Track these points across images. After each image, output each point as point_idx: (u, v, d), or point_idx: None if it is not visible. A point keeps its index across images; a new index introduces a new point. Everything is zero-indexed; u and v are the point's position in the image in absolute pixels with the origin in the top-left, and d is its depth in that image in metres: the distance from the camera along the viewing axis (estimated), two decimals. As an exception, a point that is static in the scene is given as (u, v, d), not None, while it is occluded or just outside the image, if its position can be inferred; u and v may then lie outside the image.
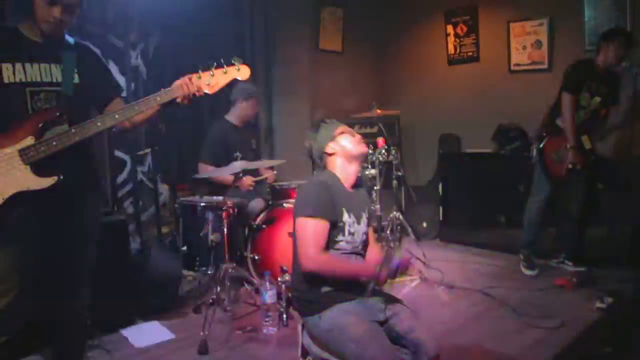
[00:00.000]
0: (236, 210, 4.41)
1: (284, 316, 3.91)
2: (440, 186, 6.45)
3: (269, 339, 3.78)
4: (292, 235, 2.74)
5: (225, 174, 4.60)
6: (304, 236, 2.57)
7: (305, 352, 2.71)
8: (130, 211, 5.33)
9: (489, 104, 6.56)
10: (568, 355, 3.46)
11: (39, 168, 2.40)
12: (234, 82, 2.73)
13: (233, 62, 2.65)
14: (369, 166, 5.36)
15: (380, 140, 5.37)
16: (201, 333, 3.64)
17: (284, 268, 4.03)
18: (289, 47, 6.40)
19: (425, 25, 7.28)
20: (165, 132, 5.83)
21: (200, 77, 2.62)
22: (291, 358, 3.34)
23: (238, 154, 4.29)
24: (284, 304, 3.92)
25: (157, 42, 5.58)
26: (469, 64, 6.89)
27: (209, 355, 3.55)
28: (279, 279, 3.98)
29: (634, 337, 3.53)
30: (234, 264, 4.20)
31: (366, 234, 2.86)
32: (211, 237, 4.39)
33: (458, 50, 6.96)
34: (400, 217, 5.51)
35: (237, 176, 4.28)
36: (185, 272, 4.70)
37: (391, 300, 2.70)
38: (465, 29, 6.86)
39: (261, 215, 4.58)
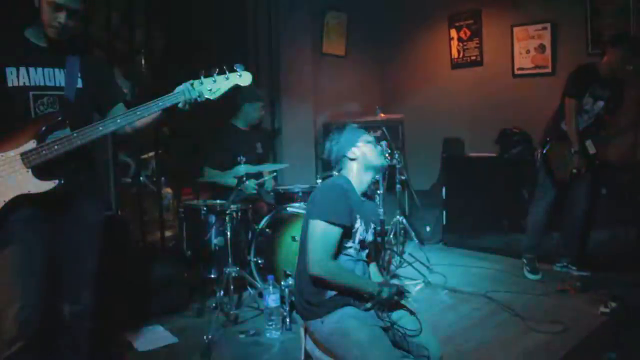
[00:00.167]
0: (240, 214, 4.43)
1: (287, 320, 3.91)
2: (443, 190, 6.45)
3: (272, 343, 3.78)
4: (301, 235, 2.74)
5: (228, 177, 4.61)
6: (317, 240, 2.56)
7: (308, 356, 2.71)
8: (133, 215, 5.33)
9: (493, 108, 6.55)
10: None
11: (40, 172, 2.41)
12: (239, 87, 2.73)
13: (235, 68, 2.65)
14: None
15: (384, 144, 5.38)
16: (204, 337, 3.65)
17: (288, 272, 4.03)
18: (292, 52, 6.40)
19: (429, 29, 7.29)
20: (169, 136, 5.85)
21: (202, 83, 2.62)
22: (294, 362, 3.34)
23: (242, 157, 4.29)
24: (287, 308, 3.92)
25: (161, 47, 5.60)
26: (472, 68, 6.89)
27: (212, 359, 3.55)
28: (282, 283, 3.99)
29: (638, 342, 3.52)
30: (238, 268, 4.20)
31: (373, 243, 2.86)
32: (215, 241, 4.39)
33: (461, 54, 6.96)
34: (404, 221, 5.50)
35: (240, 180, 4.28)
36: (188, 275, 4.71)
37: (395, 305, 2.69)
38: (468, 33, 6.86)
39: (265, 219, 4.58)
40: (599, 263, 4.94)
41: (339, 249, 2.63)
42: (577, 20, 5.83)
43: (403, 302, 2.63)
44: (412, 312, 2.64)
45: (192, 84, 2.61)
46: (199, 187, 5.62)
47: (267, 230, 4.47)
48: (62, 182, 2.45)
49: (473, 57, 6.85)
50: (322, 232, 2.55)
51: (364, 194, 2.88)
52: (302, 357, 2.76)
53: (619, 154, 5.18)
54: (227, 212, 4.21)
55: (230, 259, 4.14)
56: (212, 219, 4.45)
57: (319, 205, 2.64)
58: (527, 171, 5.36)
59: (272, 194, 5.14)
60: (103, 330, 3.59)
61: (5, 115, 2.48)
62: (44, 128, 2.43)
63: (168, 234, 5.61)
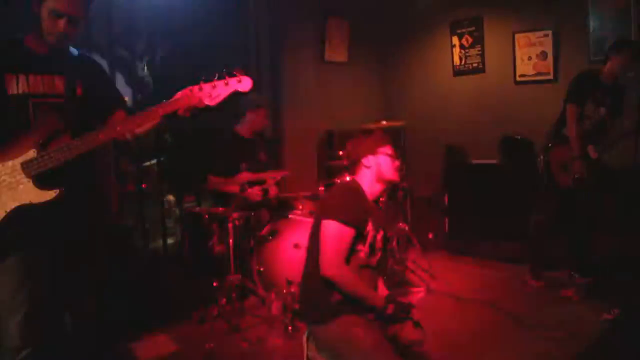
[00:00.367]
0: (242, 221, 4.43)
1: (290, 328, 3.90)
2: (446, 197, 6.44)
3: (275, 351, 3.77)
4: (311, 235, 2.74)
5: (230, 185, 4.61)
6: (331, 241, 2.56)
7: (310, 364, 2.71)
8: (135, 222, 5.34)
9: (495, 115, 6.55)
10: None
11: (41, 181, 2.41)
12: (243, 94, 2.72)
13: (235, 73, 2.63)
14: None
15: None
16: (207, 345, 3.64)
17: (290, 280, 4.03)
18: (294, 58, 6.41)
19: (431, 37, 7.29)
20: (171, 143, 5.86)
21: (201, 89, 2.59)
22: (297, 370, 3.33)
23: (244, 165, 4.30)
24: (289, 316, 3.91)
25: (163, 53, 5.61)
26: (474, 75, 6.89)
27: (214, 367, 3.55)
28: (284, 290, 3.98)
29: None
30: (240, 276, 4.20)
31: (382, 250, 2.86)
32: (217, 248, 4.39)
33: (463, 61, 6.96)
34: (406, 228, 5.50)
35: (242, 187, 4.28)
36: (190, 283, 4.71)
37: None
38: (470, 40, 6.87)
39: (267, 227, 4.58)
40: (602, 269, 4.93)
41: (350, 251, 2.63)
42: (579, 27, 5.84)
43: (408, 317, 2.63)
44: (415, 324, 2.63)
45: (191, 91, 2.59)
46: (200, 195, 5.63)
47: (270, 237, 4.47)
48: (64, 190, 2.44)
49: (475, 64, 6.86)
50: (335, 232, 2.55)
51: (375, 202, 2.90)
52: (305, 365, 2.75)
53: (621, 160, 5.17)
54: (229, 219, 4.21)
55: (232, 267, 4.14)
56: (215, 226, 4.44)
57: (333, 206, 2.65)
58: (530, 178, 5.35)
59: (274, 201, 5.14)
60: (105, 338, 3.59)
61: (5, 123, 2.48)
62: (43, 136, 2.42)
63: (170, 241, 5.61)
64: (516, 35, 6.38)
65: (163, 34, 5.55)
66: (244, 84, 2.64)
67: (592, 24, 5.73)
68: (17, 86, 2.48)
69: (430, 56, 7.34)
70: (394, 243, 5.45)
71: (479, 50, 6.78)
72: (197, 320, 4.27)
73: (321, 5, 6.69)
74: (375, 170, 2.82)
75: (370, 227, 2.70)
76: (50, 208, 2.42)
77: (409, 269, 5.30)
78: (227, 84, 2.61)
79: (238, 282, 4.17)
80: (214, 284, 4.43)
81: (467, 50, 6.89)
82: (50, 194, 2.41)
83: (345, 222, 2.56)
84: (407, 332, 2.57)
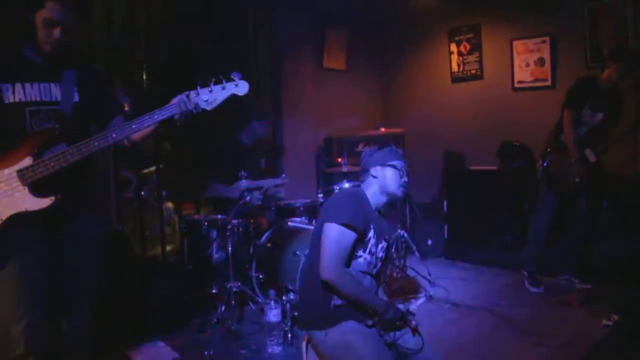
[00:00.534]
0: (241, 228, 4.43)
1: (289, 335, 3.90)
2: (445, 203, 6.44)
3: (274, 358, 3.76)
4: (313, 239, 2.74)
5: (230, 193, 4.61)
6: (331, 243, 2.56)
7: (309, 371, 2.70)
8: (134, 230, 5.33)
9: (493, 122, 6.57)
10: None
11: (37, 189, 2.40)
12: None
13: (232, 76, 2.61)
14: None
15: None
16: (206, 352, 3.64)
17: (289, 287, 4.02)
18: (293, 66, 6.43)
19: (429, 44, 7.31)
20: (170, 151, 5.86)
21: (198, 94, 2.58)
22: (296, 377, 3.33)
23: (243, 172, 4.30)
24: (288, 323, 3.91)
25: (163, 61, 5.62)
26: (472, 82, 6.91)
27: (213, 375, 3.54)
28: (283, 297, 3.98)
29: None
30: (239, 283, 4.20)
31: (382, 261, 2.86)
32: (216, 255, 4.39)
33: (461, 68, 6.98)
34: (405, 234, 5.50)
35: (242, 195, 4.29)
36: (189, 290, 4.70)
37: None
38: (468, 47, 6.89)
39: (266, 234, 4.58)
40: (602, 275, 4.93)
41: (351, 256, 2.63)
42: (576, 33, 5.86)
43: (407, 325, 2.63)
44: (415, 331, 2.63)
45: (187, 95, 2.57)
46: (200, 202, 5.63)
47: (269, 245, 4.46)
48: (60, 198, 2.43)
49: (473, 71, 6.88)
50: (336, 235, 2.55)
51: (379, 212, 2.90)
52: (304, 372, 2.75)
53: (619, 165, 5.19)
54: (228, 226, 4.21)
55: (231, 274, 4.14)
56: (214, 233, 4.45)
57: (334, 209, 2.65)
58: (528, 184, 5.36)
59: (273, 208, 5.14)
60: (104, 346, 3.59)
61: (2, 131, 2.47)
62: (39, 144, 2.42)
63: (169, 248, 5.61)
64: (514, 42, 6.41)
65: (163, 41, 5.56)
66: (241, 87, 2.62)
67: (589, 30, 5.75)
68: (13, 95, 2.47)
69: (428, 63, 7.36)
70: (393, 249, 5.45)
71: (477, 57, 6.80)
72: (196, 328, 4.26)
73: (320, 13, 6.71)
74: (381, 182, 2.83)
75: (371, 234, 2.71)
76: (47, 215, 2.42)
77: (408, 276, 5.29)
78: (224, 88, 2.60)
79: (237, 289, 4.16)
80: (213, 291, 4.43)
81: (465, 57, 6.91)
82: (45, 202, 2.41)
83: (347, 225, 2.56)
84: (407, 338, 2.57)
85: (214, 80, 2.60)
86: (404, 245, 5.58)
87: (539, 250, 5.07)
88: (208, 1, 5.63)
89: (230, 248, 4.16)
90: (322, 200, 4.78)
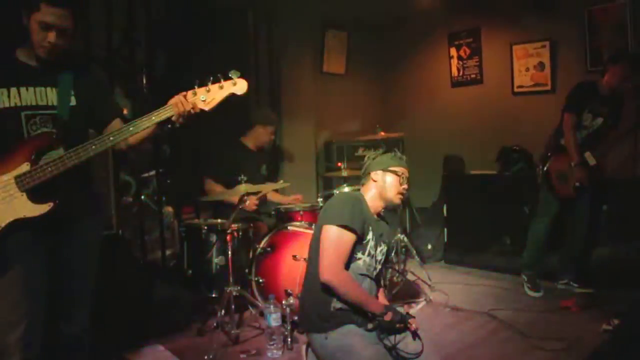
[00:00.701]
0: (241, 233, 4.42)
1: (289, 339, 3.89)
2: (444, 208, 6.44)
3: (274, 363, 3.76)
4: (312, 241, 2.74)
5: (228, 197, 4.61)
6: (330, 245, 2.57)
7: (309, 375, 2.70)
8: (134, 234, 5.33)
9: (493, 126, 6.57)
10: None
11: (36, 194, 2.39)
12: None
13: (230, 75, 2.58)
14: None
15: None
16: (205, 357, 3.63)
17: (289, 291, 4.02)
18: (293, 70, 6.44)
19: (429, 48, 7.32)
20: (170, 154, 5.86)
21: (195, 94, 2.55)
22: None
23: (243, 177, 4.30)
24: (288, 327, 3.90)
25: (162, 65, 5.63)
26: (472, 86, 6.92)
27: (213, 379, 3.53)
28: (283, 302, 3.97)
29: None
30: (239, 287, 4.19)
31: (381, 264, 2.87)
32: (216, 260, 4.38)
33: (461, 72, 6.99)
34: (405, 239, 5.49)
35: (241, 199, 4.28)
36: (189, 295, 4.69)
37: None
38: (468, 51, 6.90)
39: (266, 238, 4.57)
40: (602, 280, 4.93)
41: (350, 258, 2.63)
42: (576, 37, 5.87)
43: (407, 328, 2.62)
44: (415, 335, 2.63)
45: (184, 96, 2.56)
46: (199, 206, 5.63)
47: (268, 249, 4.46)
48: (58, 203, 2.42)
49: (473, 75, 6.89)
50: (335, 236, 2.56)
51: (379, 215, 2.91)
52: (304, 377, 2.75)
53: (619, 169, 5.19)
54: (228, 231, 4.20)
55: (231, 278, 4.12)
56: (213, 238, 4.44)
57: (334, 212, 2.67)
58: (528, 188, 5.36)
59: (272, 212, 5.14)
60: (103, 350, 3.58)
61: None
62: (36, 149, 2.41)
63: (169, 253, 5.60)
64: (514, 47, 6.42)
65: (162, 45, 5.56)
66: (240, 86, 2.59)
67: (589, 34, 5.76)
68: (9, 99, 2.46)
69: (428, 67, 7.37)
70: (393, 254, 5.44)
71: (476, 62, 6.81)
72: (196, 332, 4.25)
73: (320, 17, 6.72)
74: (380, 186, 2.84)
75: (370, 236, 2.71)
76: (46, 221, 2.41)
77: (408, 280, 5.29)
78: (222, 87, 2.57)
79: (237, 294, 4.16)
80: (213, 296, 4.42)
81: (465, 62, 6.92)
82: (44, 207, 2.40)
83: (346, 227, 2.57)
84: (406, 342, 2.57)
85: (211, 79, 2.58)
86: (403, 249, 5.58)
87: (538, 254, 5.07)
88: (208, 5, 5.64)
89: (229, 252, 4.15)
90: (321, 204, 4.77)
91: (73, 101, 2.62)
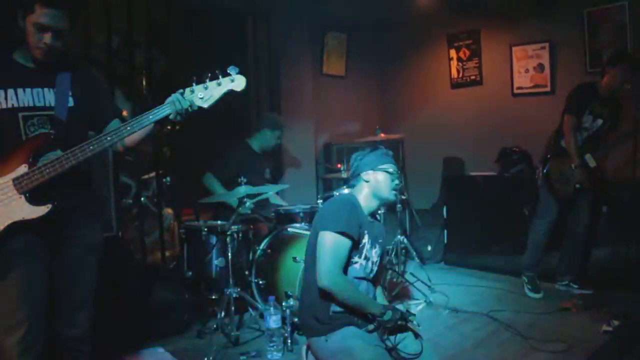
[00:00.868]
0: (240, 234, 4.42)
1: (289, 341, 3.89)
2: (444, 209, 6.44)
3: (274, 364, 3.76)
4: (308, 249, 2.74)
5: (228, 198, 4.61)
6: (327, 251, 2.56)
7: (309, 377, 2.70)
8: (134, 235, 5.33)
9: (492, 127, 6.58)
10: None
11: (34, 196, 2.38)
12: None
13: (228, 71, 2.54)
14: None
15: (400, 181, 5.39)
16: (205, 358, 3.63)
17: (289, 293, 4.02)
18: (293, 72, 6.45)
19: (428, 50, 7.33)
20: (170, 156, 5.86)
21: (193, 91, 2.53)
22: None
23: (243, 178, 4.30)
24: (288, 329, 3.90)
25: (162, 67, 5.63)
26: (472, 88, 6.92)
27: (213, 381, 3.53)
28: (283, 303, 3.97)
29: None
30: (239, 289, 4.19)
31: (377, 265, 2.86)
32: (215, 261, 4.38)
33: (461, 73, 7.00)
34: (405, 240, 5.49)
35: (241, 201, 4.29)
36: (189, 296, 4.69)
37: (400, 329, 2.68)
38: (468, 52, 6.91)
39: (266, 240, 4.57)
40: (601, 281, 4.93)
41: (347, 263, 2.63)
42: (575, 39, 5.88)
43: (408, 325, 2.62)
44: (416, 335, 2.63)
45: (182, 94, 2.53)
46: (199, 208, 5.63)
47: (268, 251, 4.46)
48: (56, 205, 2.41)
49: (472, 77, 6.89)
50: (332, 242, 2.56)
51: (371, 215, 2.90)
52: (304, 378, 2.75)
53: (618, 170, 5.20)
54: (227, 232, 4.21)
55: (231, 280, 4.13)
56: (213, 239, 4.44)
57: (329, 217, 2.66)
58: (528, 189, 5.36)
59: (273, 214, 5.14)
60: (103, 353, 3.58)
61: None
62: (34, 151, 2.40)
63: (168, 254, 5.60)
64: (513, 48, 6.42)
65: (162, 47, 5.57)
66: (238, 83, 2.55)
67: (588, 36, 5.77)
68: (6, 100, 2.45)
69: (428, 69, 7.38)
70: (393, 255, 5.44)
71: (476, 63, 6.82)
72: (196, 334, 4.25)
73: (320, 19, 6.73)
74: (372, 186, 2.83)
75: (366, 239, 2.71)
76: (45, 223, 2.41)
77: (408, 281, 5.29)
78: (220, 84, 2.54)
79: (237, 295, 4.16)
80: (213, 297, 4.42)
81: (464, 63, 6.93)
82: (43, 210, 2.38)
83: (341, 233, 2.57)
84: (406, 344, 2.57)
85: (209, 76, 2.55)
86: (403, 251, 5.58)
87: (538, 256, 5.06)
88: (208, 7, 5.64)
89: (229, 254, 4.15)
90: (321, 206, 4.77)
91: (71, 102, 2.60)
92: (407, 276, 5.37)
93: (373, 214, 2.93)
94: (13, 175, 2.36)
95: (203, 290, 4.45)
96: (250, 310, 4.53)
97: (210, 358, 3.64)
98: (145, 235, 5.32)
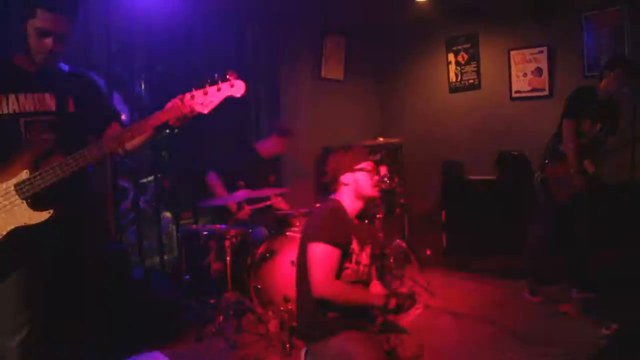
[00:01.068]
0: (239, 238, 4.42)
1: (287, 345, 3.88)
2: (443, 213, 6.44)
3: (272, 369, 3.76)
4: (299, 259, 2.74)
5: (226, 201, 4.61)
6: (318, 262, 2.56)
7: (308, 382, 2.70)
8: (132, 239, 5.33)
9: (491, 131, 6.58)
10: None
11: (36, 201, 2.38)
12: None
13: (228, 77, 2.53)
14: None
15: (383, 168, 5.38)
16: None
17: (287, 297, 4.01)
18: (291, 76, 6.45)
19: (427, 53, 7.34)
20: (168, 160, 5.86)
21: (192, 97, 2.51)
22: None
23: (241, 182, 4.30)
24: (287, 333, 3.89)
25: (161, 71, 5.63)
26: (470, 92, 6.93)
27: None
28: (282, 308, 3.96)
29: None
30: (237, 293, 4.18)
31: (369, 266, 2.86)
32: (214, 265, 4.38)
33: (459, 77, 7.00)
34: (404, 244, 5.49)
35: (239, 205, 4.29)
36: (187, 300, 4.69)
37: (396, 329, 2.69)
38: (466, 56, 6.92)
39: (264, 244, 4.57)
40: (600, 285, 4.92)
41: (338, 270, 2.63)
42: (573, 43, 5.89)
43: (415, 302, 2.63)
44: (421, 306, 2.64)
45: (181, 100, 2.52)
46: (198, 212, 5.62)
47: (267, 254, 4.46)
48: (57, 210, 2.40)
49: (471, 81, 6.90)
50: (322, 253, 2.55)
51: (358, 217, 2.90)
52: (303, 382, 2.74)
53: (617, 174, 5.19)
54: (226, 236, 4.20)
55: (229, 284, 4.12)
56: (212, 243, 4.43)
57: (316, 228, 2.65)
58: (526, 193, 5.36)
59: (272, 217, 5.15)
60: (102, 356, 3.56)
61: None
62: (35, 156, 2.39)
63: (167, 258, 5.60)
64: (511, 52, 6.43)
65: (161, 51, 5.57)
66: (237, 88, 2.54)
67: (586, 40, 5.78)
68: (7, 106, 2.45)
69: (426, 73, 7.38)
70: (392, 260, 5.44)
71: (474, 67, 6.83)
72: (194, 338, 4.24)
73: (319, 23, 6.74)
74: (354, 188, 2.82)
75: (354, 244, 2.70)
76: (46, 227, 2.40)
77: (406, 286, 5.28)
78: (219, 89, 2.52)
79: (235, 300, 4.15)
80: (211, 302, 4.41)
81: (462, 67, 6.94)
82: (44, 215, 2.38)
83: (331, 243, 2.56)
84: (405, 347, 2.56)
85: (209, 81, 2.54)
86: (402, 255, 5.57)
87: (537, 259, 5.06)
88: (207, 10, 5.64)
89: (228, 258, 4.15)
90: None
91: (71, 107, 2.61)
92: (406, 280, 5.36)
93: (362, 214, 2.92)
94: (14, 181, 2.36)
95: (201, 294, 4.45)
96: (249, 314, 4.52)
97: (209, 362, 3.63)
98: (143, 239, 5.31)
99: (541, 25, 6.15)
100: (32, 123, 2.49)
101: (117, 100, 5.34)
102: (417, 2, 6.74)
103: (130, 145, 2.64)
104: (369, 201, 2.92)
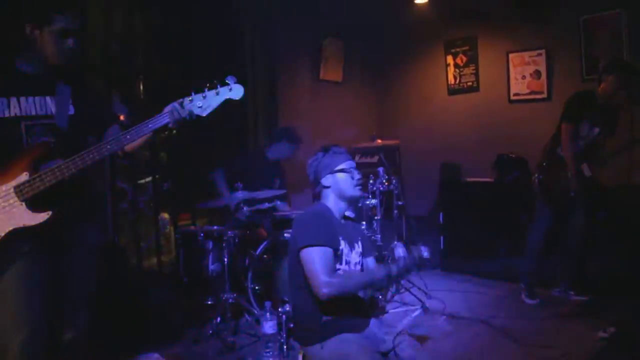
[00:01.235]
0: (237, 240, 4.42)
1: (285, 347, 3.88)
2: (441, 215, 6.44)
3: (270, 370, 3.75)
4: (290, 266, 2.74)
5: (225, 202, 4.61)
6: (314, 264, 2.54)
7: (305, 383, 2.69)
8: (130, 240, 5.32)
9: (489, 134, 6.59)
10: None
11: (35, 203, 2.39)
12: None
13: (227, 80, 2.55)
14: (370, 196, 5.36)
15: (381, 170, 5.38)
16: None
17: (285, 298, 4.01)
18: (290, 78, 6.45)
19: (425, 56, 7.35)
20: (166, 161, 5.85)
21: (191, 100, 2.53)
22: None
23: (239, 184, 4.29)
24: (284, 335, 3.89)
25: (160, 71, 5.62)
26: (468, 94, 6.94)
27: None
28: (279, 309, 3.96)
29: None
30: (235, 294, 4.18)
31: (360, 264, 2.86)
32: (212, 267, 4.38)
33: (458, 80, 7.01)
34: (401, 247, 5.48)
35: (237, 207, 4.29)
36: (185, 301, 4.68)
37: (393, 331, 2.69)
38: (464, 59, 6.92)
39: (262, 245, 4.57)
40: (598, 288, 4.93)
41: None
42: (572, 46, 5.90)
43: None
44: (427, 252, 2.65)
45: (180, 103, 2.54)
46: (196, 213, 5.62)
47: (265, 256, 4.45)
48: (56, 212, 2.41)
49: (469, 83, 6.91)
50: (316, 255, 2.55)
51: (345, 217, 2.90)
52: (300, 384, 2.74)
53: (615, 177, 5.21)
54: (224, 238, 4.20)
55: (227, 285, 4.12)
56: (210, 244, 4.44)
57: (304, 234, 2.64)
58: (524, 196, 5.36)
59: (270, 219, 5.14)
60: (99, 358, 3.56)
61: None
62: (35, 159, 2.41)
63: (164, 259, 5.59)
64: (510, 55, 6.44)
65: (160, 51, 5.57)
66: (236, 92, 2.56)
67: (585, 43, 5.79)
68: (9, 109, 2.47)
69: (424, 75, 7.39)
70: (389, 261, 5.43)
71: (473, 70, 6.83)
72: (191, 339, 4.24)
73: (317, 25, 6.74)
74: (335, 190, 2.82)
75: (342, 245, 2.71)
76: (46, 229, 2.41)
77: (404, 288, 5.28)
78: (218, 93, 2.54)
79: (233, 301, 4.15)
80: (209, 303, 4.41)
81: (461, 70, 6.95)
82: (43, 216, 2.39)
83: (322, 244, 2.56)
84: (402, 348, 2.56)
85: (208, 85, 2.56)
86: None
87: (535, 262, 5.06)
88: (206, 12, 5.64)
89: (226, 259, 4.15)
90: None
91: (71, 110, 2.62)
92: (404, 283, 5.36)
93: (345, 215, 2.92)
94: (14, 183, 2.38)
95: (199, 295, 4.44)
96: (247, 315, 4.52)
97: (206, 364, 3.63)
98: (141, 240, 5.30)
99: (540, 28, 6.16)
100: (33, 127, 2.52)
101: (117, 101, 5.33)
102: (416, 4, 6.76)
103: (129, 146, 2.65)
104: (351, 201, 2.91)
